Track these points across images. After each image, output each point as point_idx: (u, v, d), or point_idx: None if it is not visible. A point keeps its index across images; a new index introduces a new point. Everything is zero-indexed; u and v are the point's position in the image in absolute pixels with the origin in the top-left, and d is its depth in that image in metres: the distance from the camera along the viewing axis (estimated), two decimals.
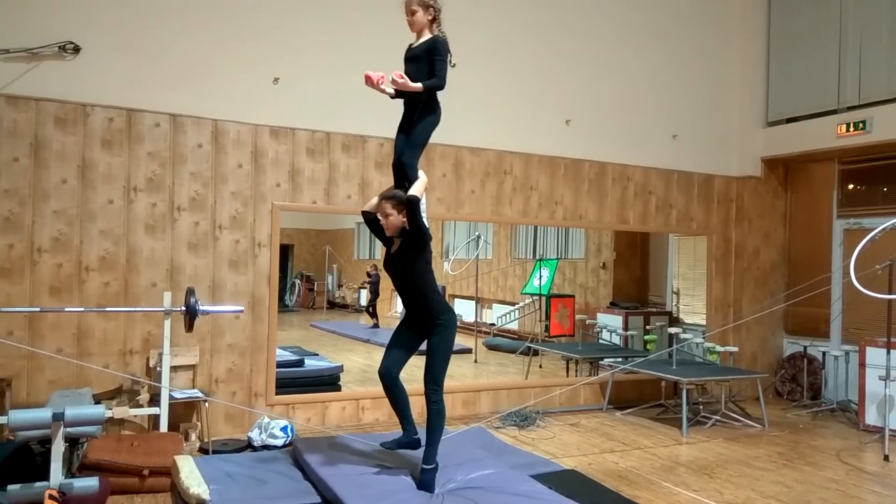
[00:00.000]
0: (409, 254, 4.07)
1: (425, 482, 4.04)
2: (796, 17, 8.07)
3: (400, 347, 4.29)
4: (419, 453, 4.28)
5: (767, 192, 8.45)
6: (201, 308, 5.01)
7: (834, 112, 7.57)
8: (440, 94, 4.35)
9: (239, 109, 5.87)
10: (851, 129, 7.31)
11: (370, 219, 4.30)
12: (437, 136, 6.45)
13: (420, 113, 4.21)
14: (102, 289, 5.43)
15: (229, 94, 5.83)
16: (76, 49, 5.33)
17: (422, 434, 4.22)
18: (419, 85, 4.07)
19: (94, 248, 5.41)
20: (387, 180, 6.27)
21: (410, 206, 3.96)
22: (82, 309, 5.28)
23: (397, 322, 4.46)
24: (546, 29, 7.17)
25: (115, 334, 5.46)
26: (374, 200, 4.29)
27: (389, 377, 4.20)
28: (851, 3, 7.49)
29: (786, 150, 8.10)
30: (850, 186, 7.99)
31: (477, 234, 10.57)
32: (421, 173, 4.20)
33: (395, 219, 4.06)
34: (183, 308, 4.99)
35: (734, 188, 8.29)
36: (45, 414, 3.72)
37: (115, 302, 5.44)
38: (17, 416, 3.70)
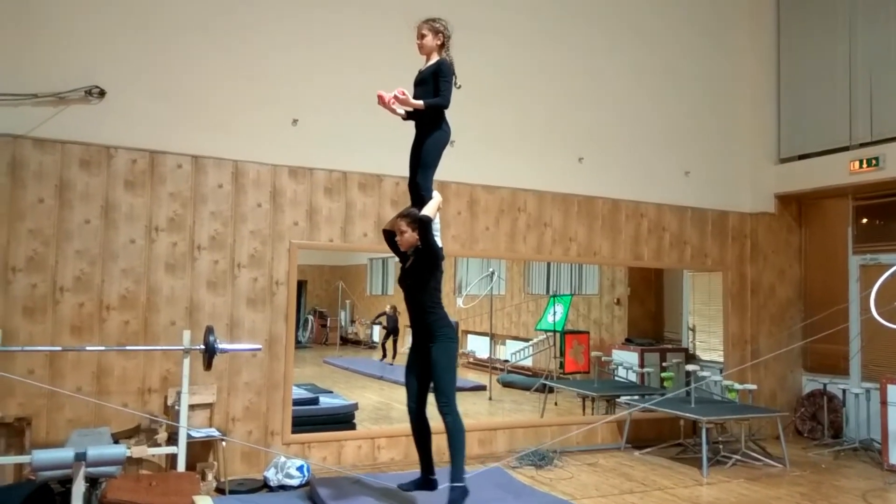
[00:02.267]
0: (420, 270, 4.20)
1: (452, 500, 4.01)
2: (806, 53, 8.18)
3: (414, 376, 4.35)
4: (437, 497, 4.25)
5: (782, 229, 8.45)
6: (220, 346, 5.04)
7: (846, 149, 7.61)
8: (453, 121, 4.45)
9: (259, 150, 5.99)
10: (864, 165, 7.34)
11: (388, 235, 4.47)
12: (452, 174, 6.65)
13: (428, 132, 4.31)
14: (122, 327, 5.49)
15: (249, 135, 5.95)
16: (101, 93, 5.48)
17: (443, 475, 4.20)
18: (421, 102, 4.20)
19: (115, 287, 5.49)
20: None
21: (422, 226, 4.08)
22: (103, 348, 5.33)
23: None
24: (558, 68, 7.30)
25: (134, 373, 5.50)
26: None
27: (416, 415, 4.23)
28: (861, 39, 7.59)
29: (799, 187, 8.13)
30: (865, 222, 7.98)
31: (490, 269, 10.60)
32: (435, 193, 4.30)
33: (409, 236, 4.22)
34: (202, 346, 5.02)
35: (748, 224, 8.30)
36: (67, 454, 3.74)
37: (134, 340, 5.49)
38: (40, 455, 3.73)
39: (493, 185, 6.96)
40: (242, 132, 5.94)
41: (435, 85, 4.23)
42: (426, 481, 4.25)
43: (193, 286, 5.73)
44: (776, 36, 8.50)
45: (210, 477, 5.36)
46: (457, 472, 4.07)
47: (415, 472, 4.59)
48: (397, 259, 4.52)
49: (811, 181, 7.97)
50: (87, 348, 5.25)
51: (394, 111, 4.31)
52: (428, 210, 4.14)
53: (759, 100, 8.42)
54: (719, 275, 8.21)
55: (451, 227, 6.75)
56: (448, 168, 6.65)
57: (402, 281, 4.31)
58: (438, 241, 4.19)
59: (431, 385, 4.26)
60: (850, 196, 8.03)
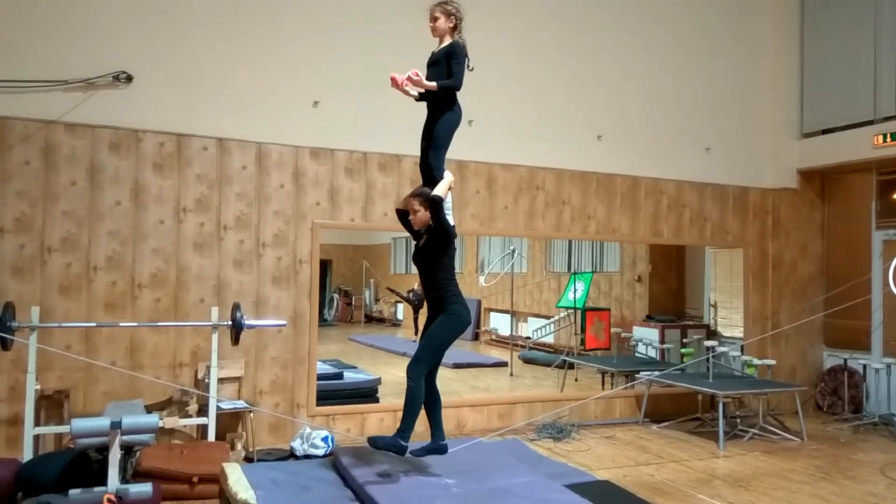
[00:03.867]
0: (433, 248, 4.31)
1: (386, 443, 4.18)
2: (830, 28, 8.05)
3: None
4: (455, 462, 4.41)
5: (804, 204, 8.40)
6: (247, 322, 5.25)
7: (870, 123, 7.52)
8: (463, 100, 4.51)
9: (281, 132, 6.14)
10: (889, 139, 7.25)
11: (402, 214, 4.57)
12: (470, 154, 6.73)
13: (440, 114, 4.39)
14: (154, 304, 5.71)
15: (272, 117, 6.10)
16: (129, 78, 5.66)
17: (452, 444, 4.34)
18: (434, 84, 4.27)
19: (146, 266, 5.71)
20: None
21: (434, 205, 4.19)
22: (135, 324, 5.56)
23: None
24: (575, 46, 7.30)
25: (165, 347, 5.74)
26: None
27: (423, 380, 4.32)
28: (886, 12, 7.46)
29: (822, 162, 8.06)
30: (889, 197, 7.89)
31: (512, 248, 10.69)
32: (447, 173, 4.39)
33: (422, 215, 4.32)
34: (229, 322, 5.23)
35: (770, 200, 8.26)
36: (104, 422, 3.96)
37: (165, 317, 5.72)
38: (78, 424, 3.96)
39: (511, 163, 7.04)
40: (265, 115, 6.08)
41: (448, 67, 4.31)
42: (436, 446, 4.37)
43: (220, 265, 5.93)
44: (800, 10, 8.37)
45: (239, 447, 5.60)
46: (404, 430, 4.22)
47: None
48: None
49: (834, 156, 7.90)
50: (121, 324, 5.49)
51: (407, 93, 4.40)
52: (439, 190, 4.24)
53: (781, 75, 8.33)
54: (741, 251, 8.21)
55: (470, 205, 6.85)
56: (466, 147, 6.77)
57: (417, 258, 4.43)
58: (451, 219, 4.30)
59: (437, 357, 4.37)
60: (873, 171, 7.94)
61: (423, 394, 4.26)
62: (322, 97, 6.24)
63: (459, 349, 11.27)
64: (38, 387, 5.02)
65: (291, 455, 5.60)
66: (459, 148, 6.71)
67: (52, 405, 5.30)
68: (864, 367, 7.52)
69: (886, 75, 7.40)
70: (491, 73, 6.85)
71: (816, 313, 7.92)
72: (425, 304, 4.45)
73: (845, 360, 7.77)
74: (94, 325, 5.45)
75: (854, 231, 8.20)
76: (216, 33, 5.94)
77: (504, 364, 9.76)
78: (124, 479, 4.52)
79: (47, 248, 5.44)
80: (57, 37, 5.49)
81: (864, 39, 7.65)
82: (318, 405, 6.19)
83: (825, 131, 8.10)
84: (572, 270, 10.35)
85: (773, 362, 7.43)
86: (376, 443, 4.22)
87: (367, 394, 6.83)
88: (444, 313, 4.23)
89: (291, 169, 6.21)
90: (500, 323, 11.67)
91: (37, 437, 4.94)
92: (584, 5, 7.37)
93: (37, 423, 4.95)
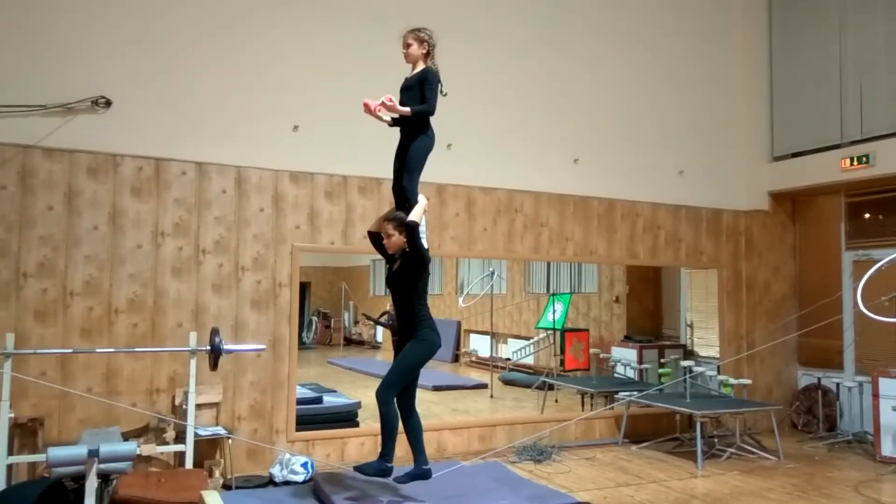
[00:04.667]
0: (407, 273, 4.32)
1: (374, 470, 4.22)
2: (798, 53, 8.31)
3: None
4: (436, 486, 4.40)
5: (776, 226, 8.59)
6: (225, 347, 5.21)
7: (838, 146, 7.75)
8: (437, 124, 4.59)
9: (261, 156, 6.16)
10: (855, 162, 7.47)
11: (374, 237, 4.55)
12: (449, 176, 6.81)
13: (413, 138, 4.44)
14: (131, 330, 5.66)
15: (252, 141, 6.12)
16: (108, 103, 5.66)
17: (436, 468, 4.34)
18: (408, 109, 4.33)
19: (124, 291, 5.66)
20: None
21: (410, 230, 4.19)
22: (112, 349, 5.50)
23: None
24: (554, 70, 7.44)
25: (142, 373, 5.67)
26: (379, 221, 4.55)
27: (405, 406, 4.35)
28: (851, 39, 7.72)
29: (792, 184, 8.27)
30: (858, 218, 8.10)
31: (491, 269, 10.74)
32: (421, 197, 4.42)
33: (397, 239, 4.33)
34: (208, 347, 5.19)
35: (742, 222, 8.43)
36: (81, 450, 3.91)
37: (142, 342, 5.66)
38: (55, 452, 3.90)
39: (490, 186, 7.12)
40: (245, 139, 6.10)
41: (421, 92, 4.38)
42: (420, 471, 4.37)
43: (199, 289, 5.90)
44: (768, 36, 8.64)
45: (217, 474, 5.53)
46: (386, 454, 4.29)
47: (411, 466, 4.72)
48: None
49: (804, 178, 8.10)
50: (97, 350, 5.42)
51: (380, 118, 4.45)
52: (414, 214, 4.25)
53: (753, 99, 8.55)
54: (715, 272, 8.35)
55: (450, 228, 6.90)
56: (446, 170, 6.86)
57: (390, 282, 4.43)
58: (424, 242, 4.31)
59: (409, 379, 4.37)
60: (842, 193, 8.16)
61: (397, 415, 4.28)
62: (302, 121, 6.28)
63: (439, 371, 11.27)
64: (12, 414, 4.92)
65: (270, 482, 5.55)
66: (439, 170, 6.82)
67: (27, 433, 5.20)
68: (838, 385, 7.67)
69: (852, 100, 7.65)
70: (469, 96, 6.96)
71: (790, 333, 8.07)
72: None
73: (819, 379, 7.91)
74: (70, 351, 5.37)
75: (825, 252, 8.40)
76: (196, 59, 5.97)
77: (484, 386, 9.76)
78: None
79: (23, 273, 5.38)
80: (36, 62, 5.48)
81: (830, 65, 7.91)
82: (297, 430, 6.14)
83: (795, 154, 8.32)
84: (551, 291, 10.42)
85: (748, 381, 7.54)
86: (364, 470, 4.22)
87: (346, 418, 6.79)
88: (415, 339, 4.24)
89: (271, 193, 6.22)
90: (479, 344, 11.67)
91: (10, 467, 4.83)
92: (563, 30, 7.52)
93: (10, 452, 4.85)
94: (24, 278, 5.38)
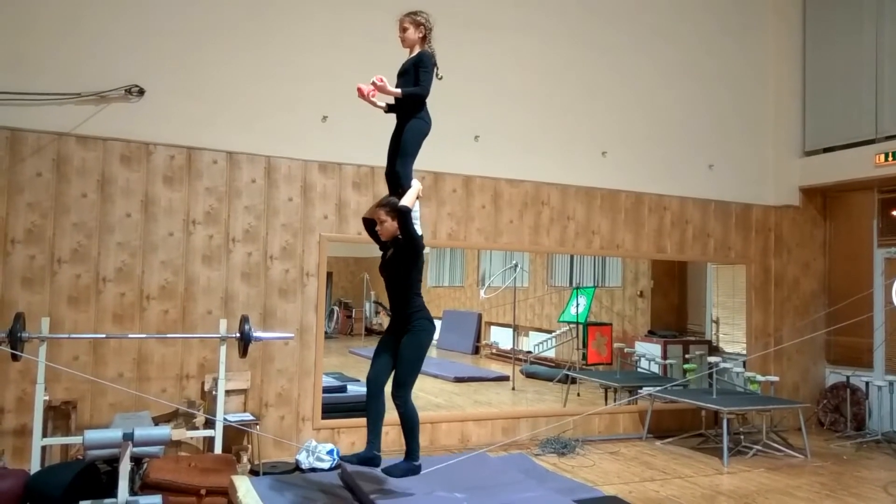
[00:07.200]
0: (401, 261, 4.18)
1: (406, 469, 4.13)
2: (832, 47, 8.16)
3: (386, 353, 4.30)
4: (463, 477, 4.41)
5: (806, 222, 8.46)
6: (255, 335, 5.27)
7: (872, 142, 7.60)
8: (435, 110, 4.48)
9: (290, 146, 6.19)
10: (890, 158, 7.33)
11: (368, 223, 4.44)
12: (476, 168, 6.80)
13: (408, 122, 4.36)
14: (162, 316, 5.73)
15: (281, 132, 6.15)
16: (141, 92, 5.71)
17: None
18: (399, 91, 4.25)
19: (155, 278, 5.73)
20: (428, 211, 6.52)
21: (402, 216, 4.08)
22: (143, 335, 5.58)
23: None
24: (582, 64, 7.39)
25: (172, 359, 5.75)
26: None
27: (375, 385, 4.24)
28: (887, 32, 7.56)
29: (824, 180, 8.13)
30: (891, 215, 7.96)
31: (514, 262, 10.73)
32: (415, 182, 4.27)
33: (389, 225, 4.18)
34: (237, 335, 5.25)
35: (772, 217, 8.32)
36: (116, 434, 3.97)
37: (173, 329, 5.73)
38: (91, 435, 3.97)
39: (517, 178, 7.09)
40: (274, 129, 6.14)
41: (415, 75, 4.31)
42: (370, 455, 4.14)
43: (229, 277, 5.96)
44: (802, 30, 8.48)
45: (245, 459, 5.60)
46: (412, 452, 4.17)
47: (438, 456, 4.75)
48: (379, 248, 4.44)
49: (836, 174, 7.97)
50: (129, 336, 5.50)
51: (374, 104, 4.34)
52: (407, 200, 4.11)
53: (784, 93, 8.41)
54: (743, 268, 8.26)
55: (476, 220, 6.90)
56: (473, 162, 6.85)
57: (383, 270, 4.31)
58: (418, 229, 4.17)
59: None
60: (875, 189, 8.02)
61: (416, 413, 4.19)
62: (331, 112, 6.29)
63: (460, 362, 11.29)
64: (47, 397, 5.02)
65: (297, 468, 5.60)
66: (466, 162, 6.85)
67: (60, 416, 5.30)
68: (867, 384, 7.55)
69: (888, 95, 7.49)
70: (497, 89, 6.94)
71: (818, 330, 7.96)
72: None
73: (847, 378, 7.80)
74: (102, 336, 5.46)
75: (856, 249, 8.26)
76: (227, 49, 6.01)
77: (506, 378, 9.77)
78: (132, 491, 4.52)
79: (57, 259, 5.47)
80: (70, 50, 5.55)
81: (865, 59, 7.75)
82: (323, 418, 6.19)
83: (827, 150, 8.18)
84: (574, 285, 10.38)
85: (776, 378, 7.45)
86: (393, 472, 4.18)
87: None
88: (411, 332, 4.13)
89: (300, 182, 6.25)
90: (500, 337, 11.68)
91: (44, 448, 4.94)
92: (592, 24, 7.46)
93: (44, 435, 4.96)
94: (58, 264, 5.47)
